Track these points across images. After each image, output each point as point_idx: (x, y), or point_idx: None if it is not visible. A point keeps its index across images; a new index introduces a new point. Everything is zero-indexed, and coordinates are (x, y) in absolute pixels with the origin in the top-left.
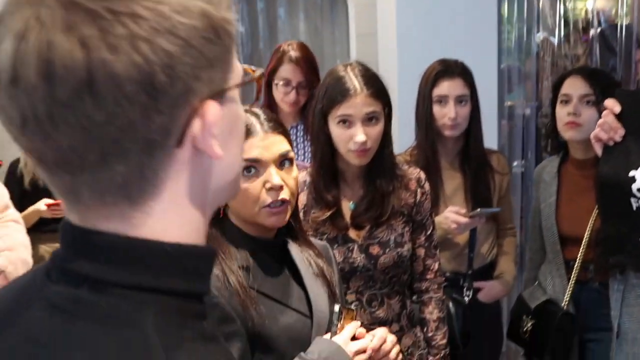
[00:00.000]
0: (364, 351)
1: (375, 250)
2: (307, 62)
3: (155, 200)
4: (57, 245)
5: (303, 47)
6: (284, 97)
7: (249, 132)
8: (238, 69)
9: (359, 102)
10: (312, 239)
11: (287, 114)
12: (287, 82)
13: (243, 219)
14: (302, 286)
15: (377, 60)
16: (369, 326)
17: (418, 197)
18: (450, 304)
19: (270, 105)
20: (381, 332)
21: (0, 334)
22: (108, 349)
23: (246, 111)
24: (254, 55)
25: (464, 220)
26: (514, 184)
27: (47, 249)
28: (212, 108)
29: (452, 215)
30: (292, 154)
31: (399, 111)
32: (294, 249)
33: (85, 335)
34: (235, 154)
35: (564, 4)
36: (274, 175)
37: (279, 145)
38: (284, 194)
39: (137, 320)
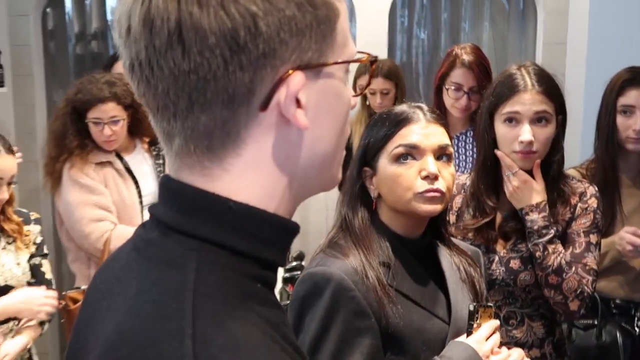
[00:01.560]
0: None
1: (516, 264)
2: (480, 65)
3: (235, 157)
4: None
5: (476, 50)
6: (455, 102)
7: (409, 120)
8: (348, 49)
9: (529, 99)
10: (464, 243)
11: (457, 120)
12: (459, 87)
13: (394, 208)
14: (444, 290)
15: (564, 70)
16: (504, 345)
17: (577, 212)
18: (618, 334)
19: (440, 111)
20: (517, 353)
21: (105, 267)
22: (152, 283)
23: (415, 105)
24: (433, 64)
25: None
26: None
27: None
28: (296, 77)
29: (628, 236)
30: (451, 150)
31: (584, 124)
32: (443, 251)
33: (142, 270)
34: (329, 129)
35: None
36: (430, 164)
37: (440, 136)
38: (439, 184)
39: (181, 263)
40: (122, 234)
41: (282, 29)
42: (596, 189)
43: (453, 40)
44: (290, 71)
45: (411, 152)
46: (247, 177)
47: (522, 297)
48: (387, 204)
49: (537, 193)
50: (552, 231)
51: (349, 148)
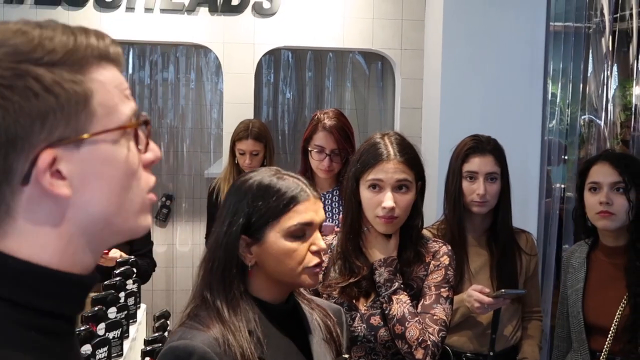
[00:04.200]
0: None
1: (375, 320)
2: (341, 130)
3: (11, 223)
4: None
5: (338, 115)
6: (319, 164)
7: (302, 197)
8: (115, 116)
9: (391, 168)
10: (325, 301)
11: (322, 180)
12: (321, 150)
13: (274, 278)
14: (308, 354)
15: (420, 133)
16: None
17: (430, 268)
18: None
19: (306, 172)
20: None
21: None
22: None
23: (293, 177)
24: (298, 122)
25: (487, 300)
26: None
27: None
28: (44, 155)
29: (475, 294)
30: None
31: (439, 184)
32: (306, 311)
33: None
34: (101, 192)
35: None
36: (320, 240)
37: (322, 210)
38: (323, 257)
39: None
40: None
41: (20, 118)
42: (449, 247)
43: (317, 99)
44: (40, 151)
45: (306, 228)
46: (26, 238)
47: (383, 353)
48: (264, 274)
49: (386, 249)
50: (397, 283)
51: (215, 205)
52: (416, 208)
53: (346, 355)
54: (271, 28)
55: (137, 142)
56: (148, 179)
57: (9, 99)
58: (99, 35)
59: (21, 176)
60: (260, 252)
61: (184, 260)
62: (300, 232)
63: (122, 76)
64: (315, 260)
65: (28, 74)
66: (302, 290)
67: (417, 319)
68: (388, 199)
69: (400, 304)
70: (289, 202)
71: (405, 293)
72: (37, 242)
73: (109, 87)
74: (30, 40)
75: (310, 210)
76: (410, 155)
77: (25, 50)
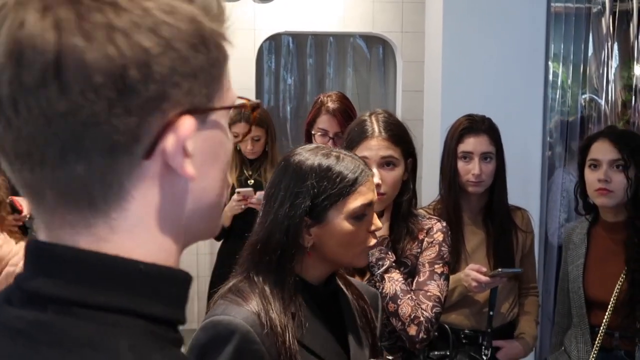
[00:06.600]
0: None
1: None
2: (344, 113)
3: (120, 213)
4: None
5: (341, 98)
6: None
7: (364, 178)
8: (230, 94)
9: (375, 145)
10: (363, 284)
11: None
12: (325, 133)
13: (334, 259)
14: (345, 341)
15: (422, 116)
16: None
17: (424, 245)
18: None
19: None
20: None
21: None
22: None
23: (349, 155)
24: (300, 108)
25: (484, 279)
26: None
27: None
28: (187, 122)
29: (473, 274)
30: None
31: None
32: (346, 298)
33: None
34: (214, 179)
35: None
36: (377, 219)
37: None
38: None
39: (109, 344)
40: None
41: (176, 70)
42: (444, 224)
43: (319, 85)
44: (177, 116)
45: (367, 210)
46: (138, 233)
47: (381, 331)
48: (319, 254)
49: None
50: (388, 262)
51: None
52: (406, 184)
53: (390, 357)
54: (271, 13)
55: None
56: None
57: (169, 41)
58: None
59: (146, 146)
60: (322, 233)
61: (189, 248)
62: (362, 213)
63: None
64: (373, 240)
65: (187, 15)
66: (341, 270)
67: (409, 296)
68: (374, 176)
69: (392, 282)
70: (354, 183)
71: (398, 271)
72: (150, 238)
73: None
74: None
75: (370, 190)
76: (395, 132)
77: None
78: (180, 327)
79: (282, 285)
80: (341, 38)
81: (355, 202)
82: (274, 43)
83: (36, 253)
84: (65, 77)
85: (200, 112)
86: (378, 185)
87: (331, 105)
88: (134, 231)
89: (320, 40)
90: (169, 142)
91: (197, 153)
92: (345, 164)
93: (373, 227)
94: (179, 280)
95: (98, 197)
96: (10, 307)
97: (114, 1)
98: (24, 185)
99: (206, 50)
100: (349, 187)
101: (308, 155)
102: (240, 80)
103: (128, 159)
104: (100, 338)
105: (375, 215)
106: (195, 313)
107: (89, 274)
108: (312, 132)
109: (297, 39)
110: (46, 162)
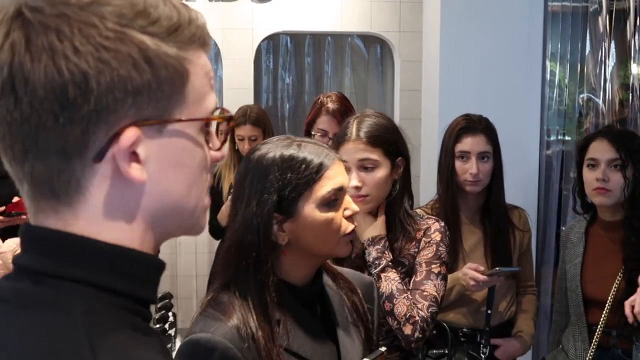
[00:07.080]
0: None
1: None
2: (344, 114)
3: (81, 204)
4: None
5: (341, 99)
6: None
7: (329, 161)
8: (203, 105)
9: (352, 148)
10: (356, 273)
11: None
12: (324, 133)
13: (313, 252)
14: (335, 339)
15: (420, 115)
16: None
17: (421, 245)
18: None
19: None
20: None
21: None
22: (38, 331)
23: (310, 142)
24: (298, 108)
25: (482, 277)
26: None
27: None
28: (129, 133)
29: (471, 272)
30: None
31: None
32: (333, 291)
33: (21, 322)
34: (176, 182)
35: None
36: (352, 203)
37: (345, 172)
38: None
39: (65, 306)
40: None
41: (116, 88)
42: (442, 224)
43: (316, 84)
44: (124, 127)
45: (339, 195)
46: (101, 220)
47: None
48: (297, 250)
49: (374, 228)
50: (385, 261)
51: (218, 192)
52: (394, 185)
53: (382, 349)
54: (269, 13)
55: (208, 137)
56: (208, 179)
57: (107, 63)
58: (199, 14)
59: (96, 151)
60: (295, 227)
61: (188, 247)
62: (334, 198)
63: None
64: (351, 226)
65: (132, 40)
66: (329, 263)
67: (405, 295)
68: (353, 179)
69: (389, 282)
70: (319, 169)
71: (395, 270)
72: (113, 225)
73: (201, 73)
74: (134, 4)
75: (339, 174)
76: (373, 134)
77: (130, 15)
78: (180, 327)
79: (263, 291)
80: (339, 37)
81: (324, 189)
82: (272, 43)
83: (24, 234)
84: (17, 91)
85: (151, 124)
86: (357, 188)
87: (331, 105)
88: (97, 219)
89: (318, 39)
90: (115, 149)
91: (152, 159)
92: (308, 151)
93: (349, 212)
94: (144, 262)
95: (59, 190)
96: (6, 281)
97: (58, 28)
98: (13, 175)
99: (151, 70)
100: (315, 173)
101: (268, 148)
102: (239, 79)
103: (80, 160)
104: (57, 301)
105: (349, 199)
106: (194, 311)
107: (57, 249)
108: (312, 133)
109: (295, 38)
110: (17, 158)
